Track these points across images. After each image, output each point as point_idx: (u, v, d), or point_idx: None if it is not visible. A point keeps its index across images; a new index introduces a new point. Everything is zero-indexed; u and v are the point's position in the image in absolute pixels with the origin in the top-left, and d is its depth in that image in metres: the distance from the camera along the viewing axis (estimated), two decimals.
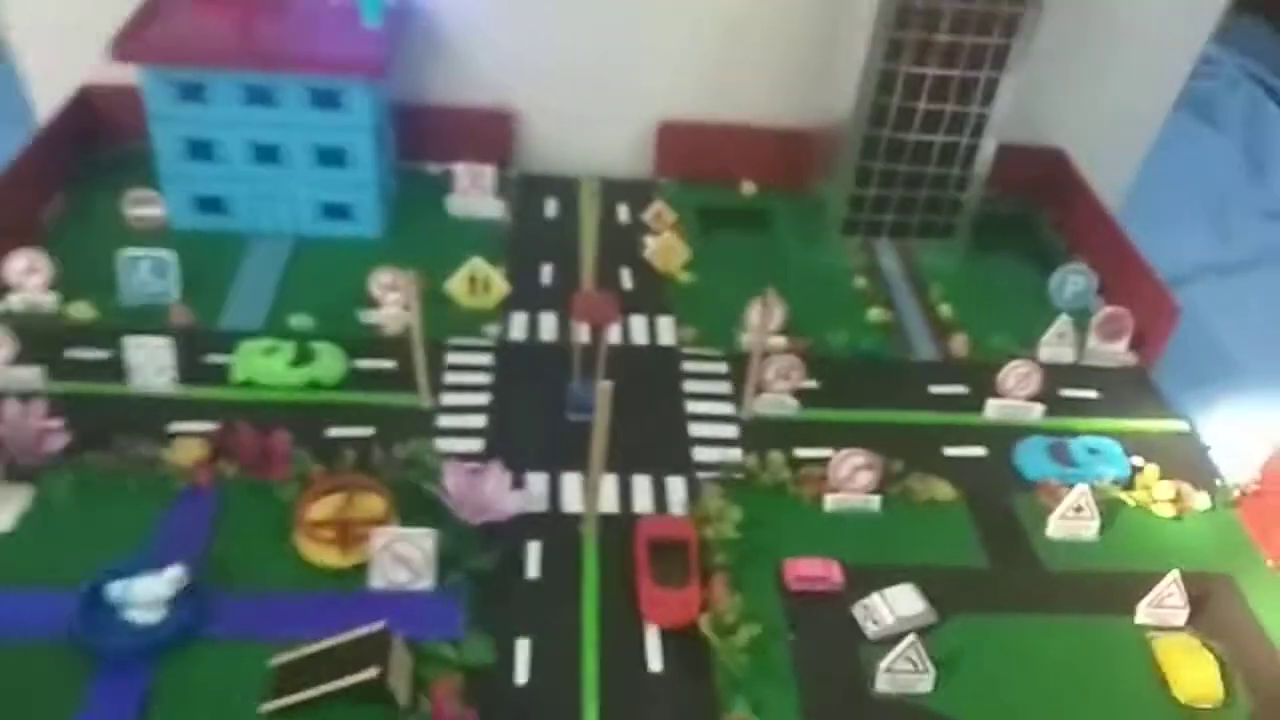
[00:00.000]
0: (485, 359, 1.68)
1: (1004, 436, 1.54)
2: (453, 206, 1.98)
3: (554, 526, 1.42)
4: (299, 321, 1.68)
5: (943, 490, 1.53)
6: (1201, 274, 1.94)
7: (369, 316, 1.69)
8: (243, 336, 1.61)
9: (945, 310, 1.77)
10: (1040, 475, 1.57)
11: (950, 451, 1.50)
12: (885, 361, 1.65)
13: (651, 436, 1.56)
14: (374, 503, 1.35)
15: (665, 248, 1.90)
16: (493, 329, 1.72)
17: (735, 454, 1.54)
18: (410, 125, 2.05)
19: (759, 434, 1.48)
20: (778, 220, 2.11)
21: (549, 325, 1.61)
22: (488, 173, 1.98)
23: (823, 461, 1.38)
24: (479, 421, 1.56)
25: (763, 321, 1.55)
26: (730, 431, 1.50)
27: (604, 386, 1.24)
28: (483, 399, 1.60)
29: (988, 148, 1.92)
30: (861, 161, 1.90)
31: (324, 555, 1.30)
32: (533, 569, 1.35)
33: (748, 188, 2.17)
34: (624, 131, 2.15)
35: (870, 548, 1.45)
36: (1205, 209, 2.20)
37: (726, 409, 1.54)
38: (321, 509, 1.35)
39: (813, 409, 1.55)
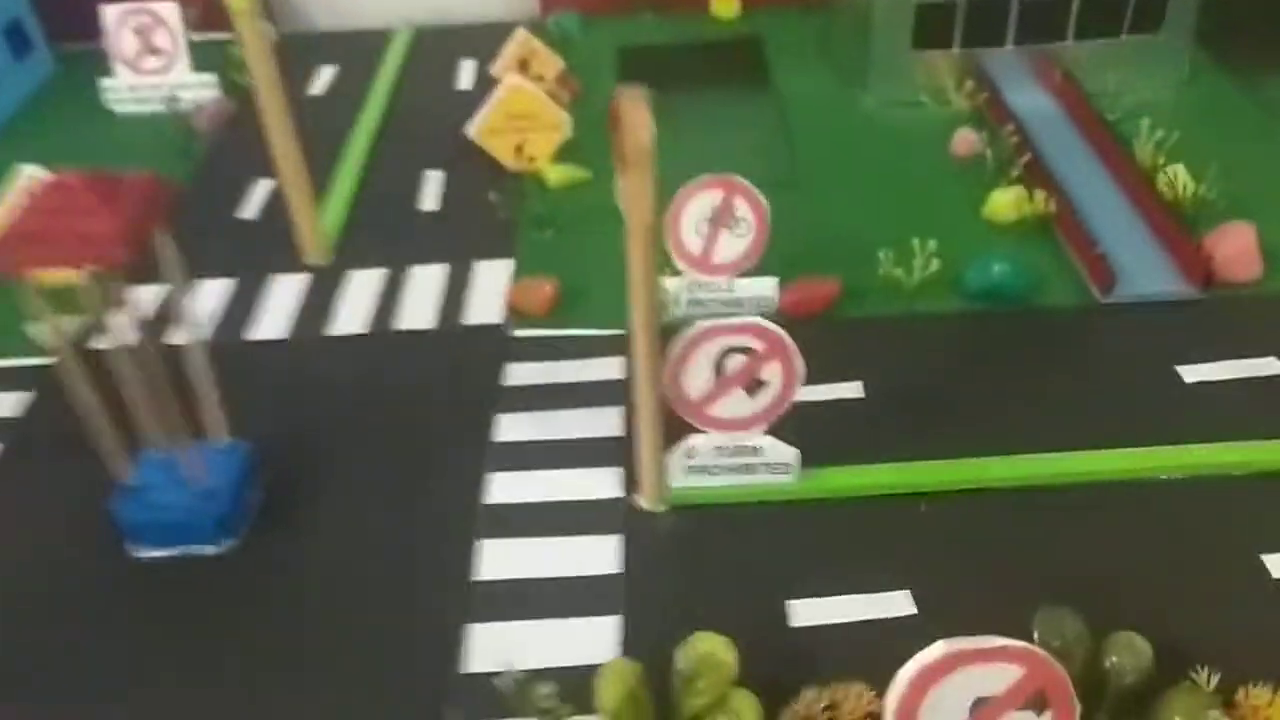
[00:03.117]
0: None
1: None
2: (111, 96, 1.02)
3: None
4: None
5: None
6: None
7: None
8: None
9: (1179, 177, 0.87)
10: None
11: None
12: (1034, 310, 0.79)
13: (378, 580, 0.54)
14: None
15: (511, 111, 0.87)
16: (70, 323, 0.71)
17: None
18: None
19: (671, 568, 0.62)
20: (775, 51, 1.07)
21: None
22: (168, 18, 0.98)
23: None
24: None
25: (643, 250, 0.49)
26: (602, 557, 0.60)
27: None
28: None
29: None
30: None
31: None
32: None
33: (721, 6, 1.11)
34: None
35: None
36: None
37: (607, 485, 0.65)
38: None
39: (831, 462, 0.66)
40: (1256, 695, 0.52)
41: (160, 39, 1.04)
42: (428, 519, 0.63)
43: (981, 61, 1.02)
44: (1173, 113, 0.97)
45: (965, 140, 0.94)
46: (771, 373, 0.58)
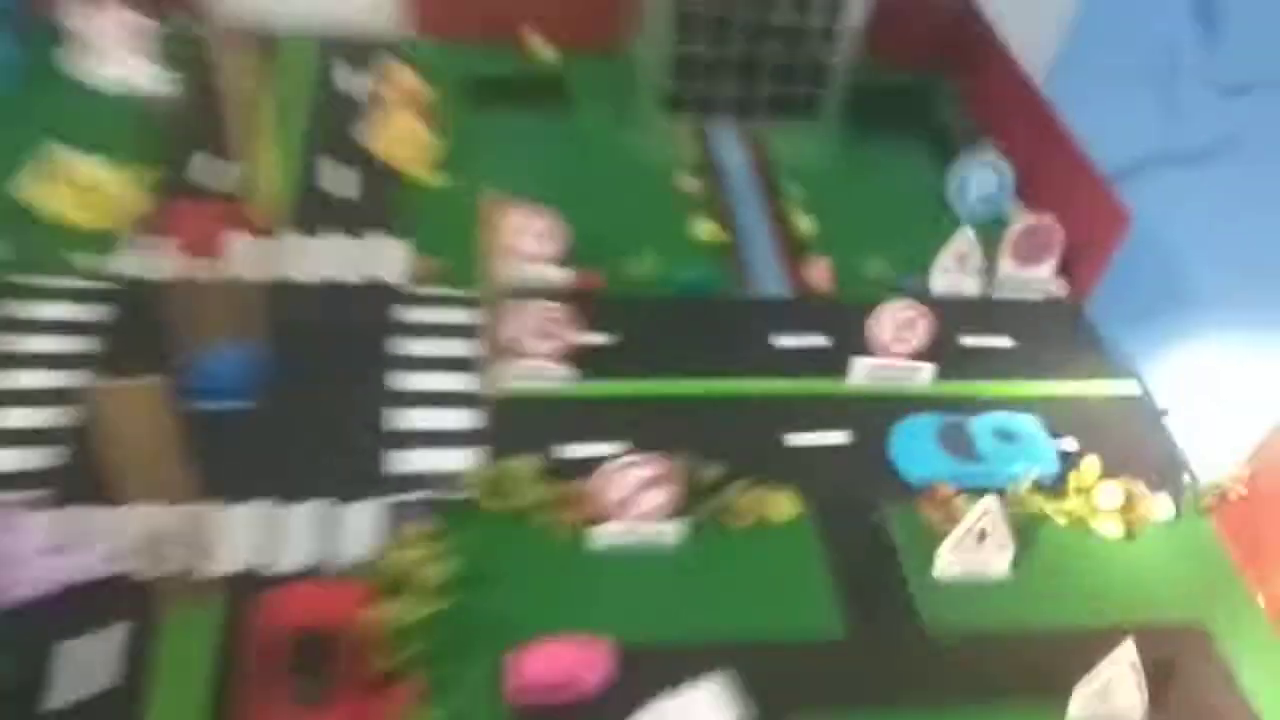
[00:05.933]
0: (85, 312, 1.08)
1: (877, 414, 1.08)
2: (82, 74, 1.34)
3: (132, 605, 0.84)
4: None
5: (780, 505, 1.00)
6: (1149, 165, 1.41)
7: None
8: None
9: (805, 223, 1.30)
10: (927, 475, 1.04)
11: (795, 440, 1.03)
12: (715, 301, 1.17)
13: (333, 433, 0.99)
14: None
15: (398, 134, 1.30)
16: (109, 262, 1.12)
17: (462, 459, 0.98)
18: None
19: (508, 424, 1.00)
20: (582, 94, 1.52)
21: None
22: (128, 22, 1.34)
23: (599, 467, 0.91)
24: (41, 418, 0.97)
25: (491, 242, 0.98)
26: (461, 420, 1.00)
27: (103, 389, 0.66)
28: (59, 380, 1.01)
29: None
30: (682, 5, 1.31)
31: None
32: (64, 692, 0.78)
33: (541, 48, 1.56)
34: None
35: (660, 613, 0.91)
36: (1151, 76, 1.65)
37: (464, 383, 1.05)
38: None
39: (598, 379, 1.06)
40: None
41: (121, 34, 1.36)
42: (370, 405, 0.97)
43: (706, 125, 1.45)
44: (815, 176, 1.32)
45: (685, 178, 1.45)
46: None
